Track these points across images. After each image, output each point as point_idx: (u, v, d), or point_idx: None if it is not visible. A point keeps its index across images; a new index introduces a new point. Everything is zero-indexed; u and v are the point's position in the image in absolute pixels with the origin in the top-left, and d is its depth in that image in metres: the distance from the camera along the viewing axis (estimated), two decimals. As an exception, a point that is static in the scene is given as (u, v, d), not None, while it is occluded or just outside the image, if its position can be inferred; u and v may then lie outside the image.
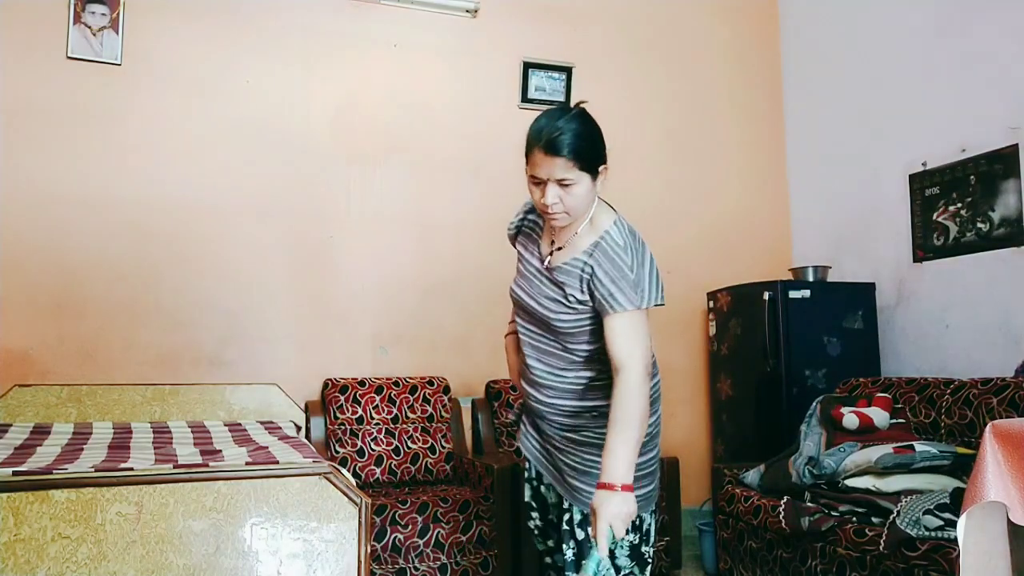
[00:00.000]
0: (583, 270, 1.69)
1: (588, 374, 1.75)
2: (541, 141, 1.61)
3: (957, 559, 1.57)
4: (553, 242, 1.77)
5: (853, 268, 3.92)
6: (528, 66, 4.10)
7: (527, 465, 1.97)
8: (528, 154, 1.65)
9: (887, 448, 2.63)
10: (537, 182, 1.65)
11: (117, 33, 3.47)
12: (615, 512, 1.55)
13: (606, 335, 1.67)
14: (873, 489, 2.58)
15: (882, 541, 2.34)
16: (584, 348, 1.74)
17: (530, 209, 1.84)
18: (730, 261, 4.28)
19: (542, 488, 1.94)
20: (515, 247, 1.89)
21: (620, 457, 1.57)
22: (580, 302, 1.70)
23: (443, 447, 3.54)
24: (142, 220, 3.46)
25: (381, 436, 3.47)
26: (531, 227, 1.85)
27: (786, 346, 3.54)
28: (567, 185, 1.62)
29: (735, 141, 4.52)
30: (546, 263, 1.76)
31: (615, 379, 1.64)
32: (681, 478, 3.43)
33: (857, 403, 3.03)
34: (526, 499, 1.98)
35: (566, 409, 1.79)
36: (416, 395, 3.60)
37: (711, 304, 4.09)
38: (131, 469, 1.73)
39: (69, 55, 3.41)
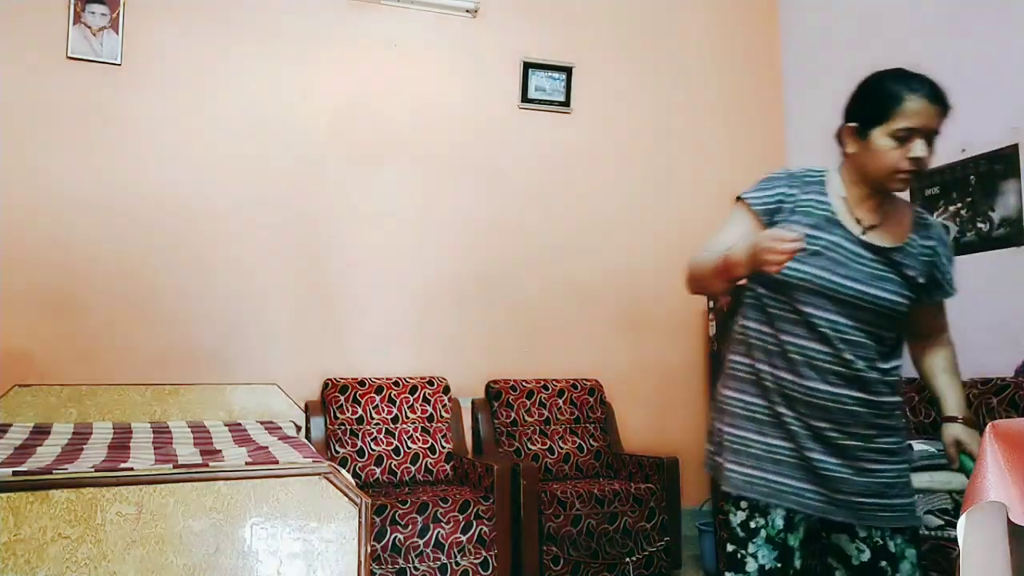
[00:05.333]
0: (924, 253, 1.63)
1: (896, 363, 1.64)
2: (924, 88, 1.54)
3: (957, 559, 1.57)
4: (860, 220, 1.61)
5: (853, 268, 3.92)
6: (528, 66, 4.10)
7: (764, 515, 1.62)
8: (893, 105, 1.53)
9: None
10: (901, 137, 1.53)
11: (117, 33, 3.47)
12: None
13: (932, 318, 1.70)
14: (873, 489, 2.57)
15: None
16: (891, 336, 1.63)
17: (785, 184, 1.66)
18: (730, 261, 4.27)
19: (790, 539, 1.63)
20: (762, 222, 1.65)
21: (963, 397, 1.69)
22: (918, 286, 1.62)
23: (443, 447, 3.54)
24: (142, 220, 3.46)
25: (381, 436, 3.47)
26: (807, 204, 1.63)
27: (786, 346, 3.53)
28: (931, 142, 1.55)
29: (735, 141, 4.51)
30: (871, 242, 1.60)
31: (942, 345, 1.72)
32: (681, 478, 3.43)
33: (857, 403, 3.02)
34: (767, 564, 1.61)
35: (876, 410, 1.61)
36: (416, 395, 3.60)
37: (711, 304, 4.08)
38: (131, 469, 1.73)
39: (69, 55, 3.41)
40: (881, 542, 1.61)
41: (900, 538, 1.61)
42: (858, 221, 1.61)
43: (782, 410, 1.62)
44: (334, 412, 3.44)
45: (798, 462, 1.61)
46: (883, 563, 1.60)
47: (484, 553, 3.04)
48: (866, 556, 1.61)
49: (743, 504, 1.65)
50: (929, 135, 1.55)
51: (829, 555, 1.67)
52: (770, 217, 1.64)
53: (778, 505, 1.61)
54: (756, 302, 1.71)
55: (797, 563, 1.64)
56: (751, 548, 1.62)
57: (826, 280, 1.56)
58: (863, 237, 1.60)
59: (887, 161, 1.55)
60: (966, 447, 1.61)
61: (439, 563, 2.96)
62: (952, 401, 1.67)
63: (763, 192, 1.67)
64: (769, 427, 1.63)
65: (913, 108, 1.53)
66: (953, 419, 1.64)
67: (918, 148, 1.53)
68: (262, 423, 3.14)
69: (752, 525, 1.63)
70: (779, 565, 1.61)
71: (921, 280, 1.62)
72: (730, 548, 1.66)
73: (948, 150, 3.48)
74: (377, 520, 2.88)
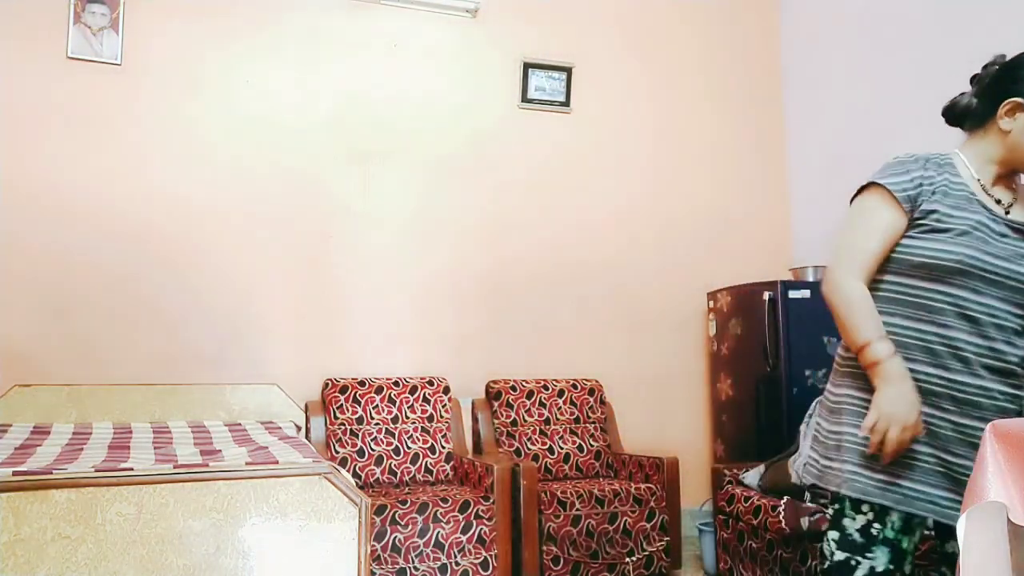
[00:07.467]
0: None
1: None
2: None
3: (957, 559, 1.57)
4: (999, 201, 1.57)
5: (853, 268, 3.91)
6: (528, 66, 4.10)
7: (884, 520, 1.54)
8: None
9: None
10: None
11: (117, 33, 3.47)
12: None
13: None
14: (873, 489, 2.57)
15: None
16: None
17: (920, 166, 1.60)
18: (730, 261, 4.28)
19: (904, 541, 1.55)
20: (904, 210, 1.57)
21: None
22: None
23: (443, 447, 3.54)
24: (142, 220, 3.46)
25: (381, 436, 3.47)
26: (944, 185, 1.57)
27: (786, 346, 3.54)
28: None
29: (735, 141, 4.51)
30: (1013, 221, 1.55)
31: None
32: (681, 478, 3.43)
33: (857, 403, 3.02)
34: (880, 567, 1.54)
35: (1017, 406, 1.52)
36: (416, 395, 3.60)
37: (711, 304, 4.08)
38: (131, 469, 1.73)
39: (69, 55, 3.41)
40: None
41: None
42: (997, 201, 1.56)
43: (923, 409, 1.49)
44: (334, 412, 3.44)
45: (935, 466, 1.50)
46: None
47: (484, 553, 3.04)
48: None
49: (864, 508, 1.53)
50: None
51: (943, 564, 1.60)
52: (912, 204, 1.55)
53: (908, 512, 1.51)
54: (888, 294, 1.58)
55: (907, 568, 1.55)
56: (869, 554, 1.53)
57: (979, 260, 1.49)
58: (1006, 216, 1.55)
59: None
60: None
61: (439, 563, 2.96)
62: None
63: (901, 176, 1.58)
64: None
65: None
66: None
67: None
68: (262, 423, 3.14)
69: (873, 531, 1.53)
70: (892, 567, 1.53)
71: None
72: (841, 556, 1.54)
73: (948, 150, 3.48)
74: (377, 520, 2.88)
